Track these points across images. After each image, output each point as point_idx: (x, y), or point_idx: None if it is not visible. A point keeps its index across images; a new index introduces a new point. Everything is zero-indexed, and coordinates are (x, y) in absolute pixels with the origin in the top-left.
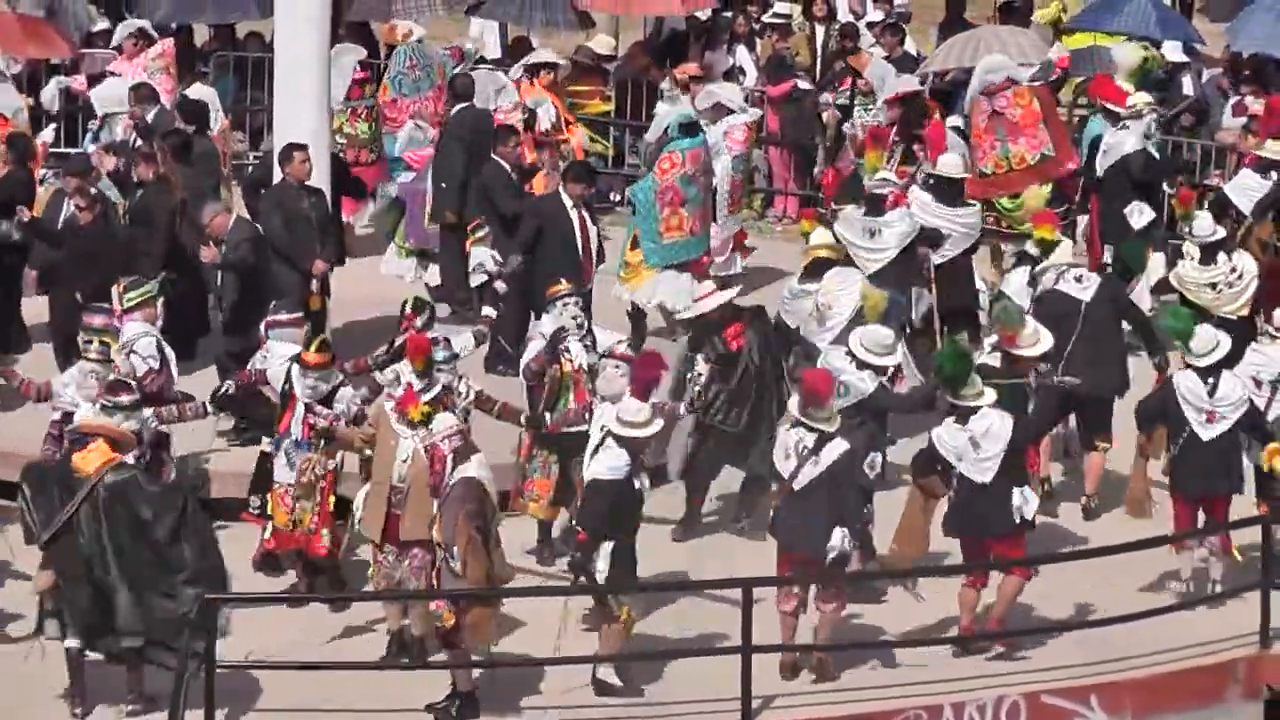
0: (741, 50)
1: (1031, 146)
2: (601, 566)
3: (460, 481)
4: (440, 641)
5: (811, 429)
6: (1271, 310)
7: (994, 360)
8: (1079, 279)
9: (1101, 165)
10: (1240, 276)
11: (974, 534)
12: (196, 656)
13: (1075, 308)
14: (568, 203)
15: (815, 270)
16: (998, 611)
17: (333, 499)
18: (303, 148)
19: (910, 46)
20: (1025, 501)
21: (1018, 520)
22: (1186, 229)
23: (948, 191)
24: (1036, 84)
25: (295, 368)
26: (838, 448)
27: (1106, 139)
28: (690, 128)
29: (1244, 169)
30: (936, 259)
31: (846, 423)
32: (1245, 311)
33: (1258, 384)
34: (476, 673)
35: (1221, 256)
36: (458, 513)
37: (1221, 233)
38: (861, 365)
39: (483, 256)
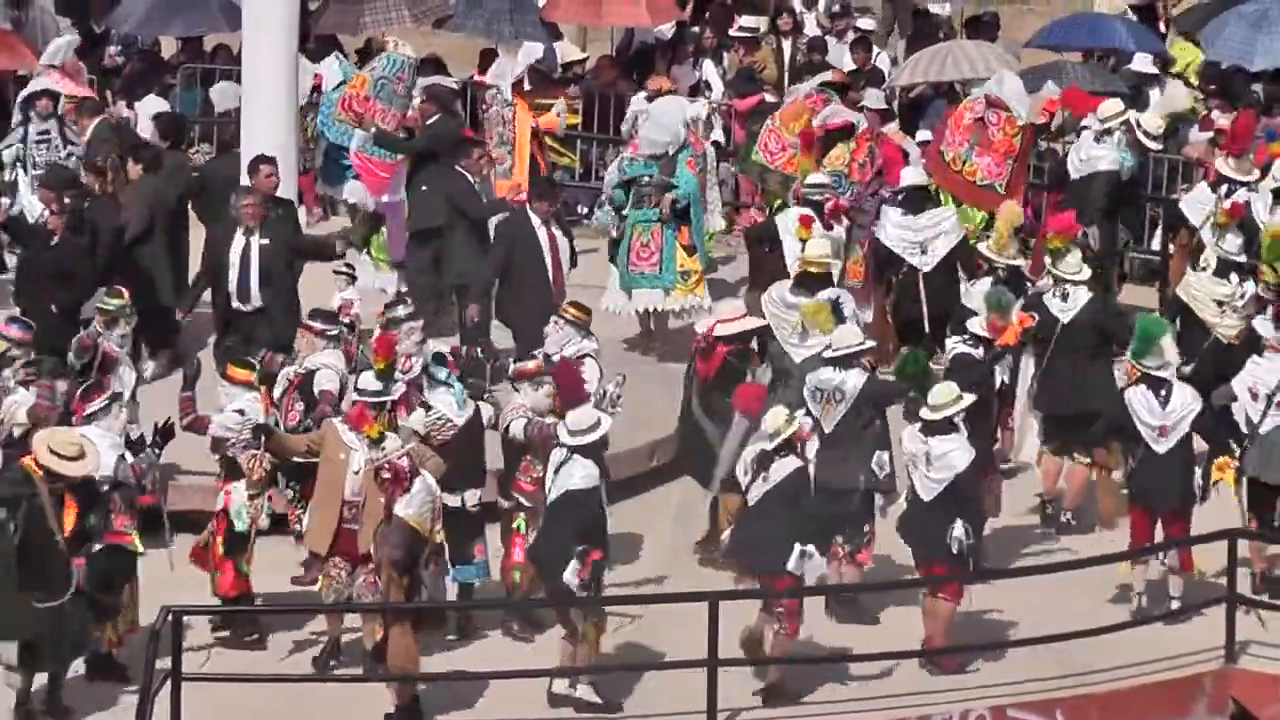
0: (708, 64)
1: (988, 170)
2: (577, 580)
3: (394, 522)
4: (371, 656)
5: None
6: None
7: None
8: (1065, 296)
9: (1075, 170)
10: (1246, 304)
11: (910, 545)
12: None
13: (1052, 324)
14: (535, 220)
15: (806, 282)
16: (934, 640)
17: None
18: (270, 161)
19: (884, 61)
20: (966, 536)
21: (955, 550)
22: (1218, 238)
23: (916, 201)
24: (1027, 123)
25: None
26: (787, 465)
27: (1086, 148)
28: None
29: (1201, 183)
30: (926, 266)
31: (852, 426)
32: (1237, 341)
33: (1254, 396)
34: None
35: (1234, 277)
36: (383, 548)
37: (1245, 257)
38: (844, 366)
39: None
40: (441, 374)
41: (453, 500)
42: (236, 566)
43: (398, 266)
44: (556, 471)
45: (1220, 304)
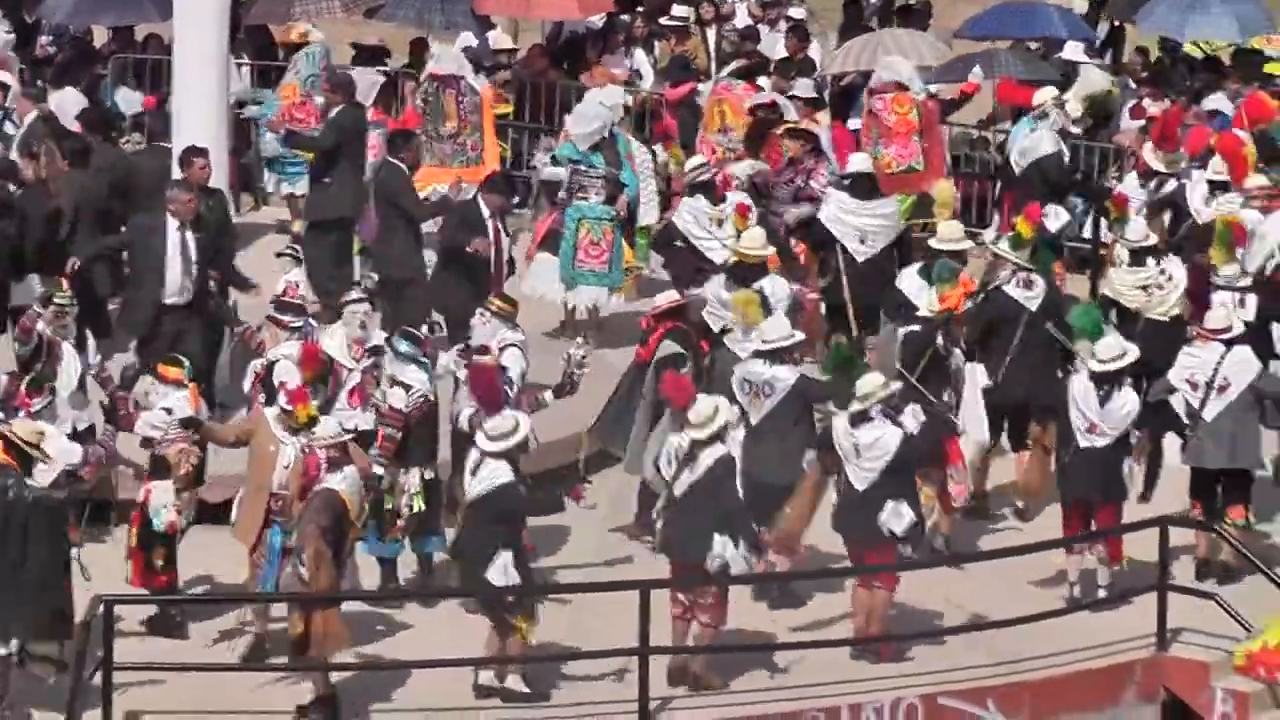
0: (639, 53)
1: (899, 156)
2: (504, 579)
3: (320, 493)
4: (290, 648)
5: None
6: (1201, 314)
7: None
8: (1028, 284)
9: (1019, 163)
10: (1170, 279)
11: (848, 537)
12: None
13: (1018, 313)
14: (485, 212)
15: (740, 274)
16: (872, 628)
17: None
18: (202, 152)
19: (814, 51)
20: (896, 517)
21: (886, 533)
22: (1119, 233)
23: (864, 188)
24: (923, 97)
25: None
26: (714, 454)
27: (1023, 141)
28: None
29: (1131, 174)
30: (861, 255)
31: (780, 421)
32: (1176, 311)
33: (1193, 386)
34: (336, 676)
35: (1150, 260)
36: (310, 523)
37: (1154, 239)
38: (773, 360)
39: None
40: (404, 347)
41: (425, 474)
42: (148, 560)
43: (363, 252)
44: (474, 473)
45: (1145, 288)
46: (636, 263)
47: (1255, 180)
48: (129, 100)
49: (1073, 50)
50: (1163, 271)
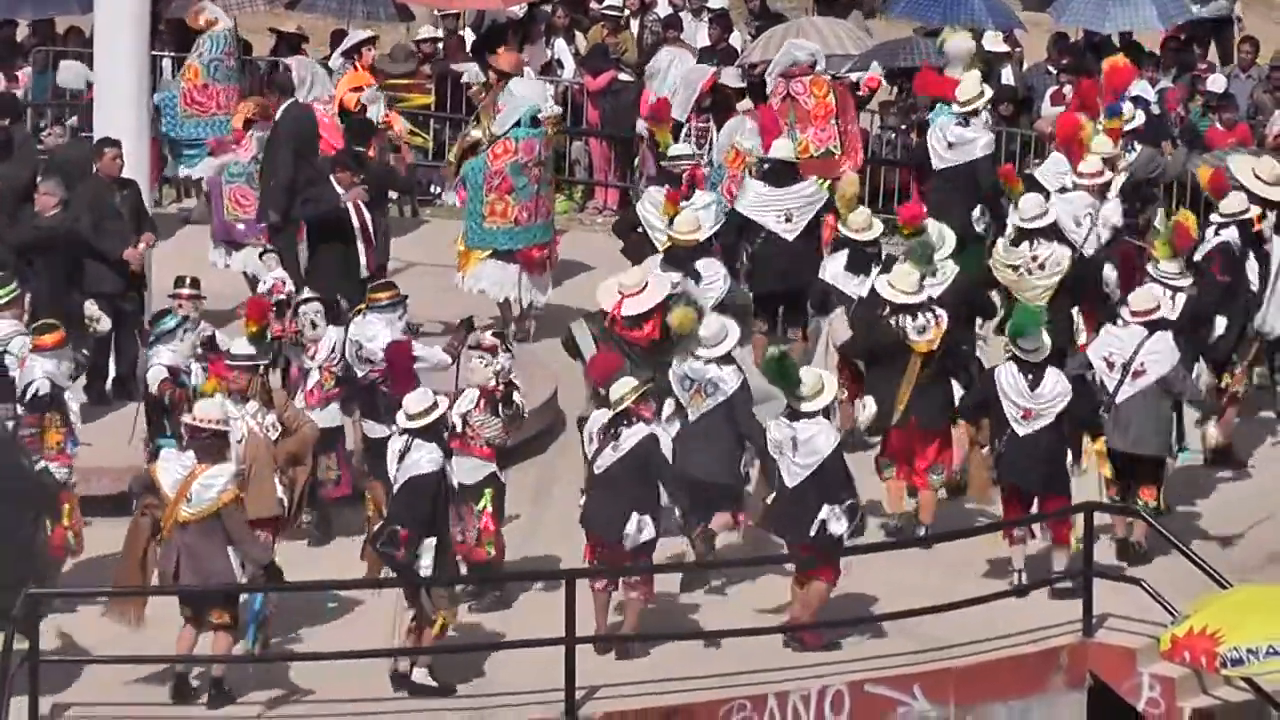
0: (560, 43)
1: (818, 139)
2: (426, 564)
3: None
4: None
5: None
6: (1126, 294)
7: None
8: (934, 272)
9: (945, 157)
10: (1041, 266)
11: (779, 535)
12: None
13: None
14: (340, 191)
15: (674, 258)
16: (805, 616)
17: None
18: (115, 143)
19: (735, 39)
20: (834, 518)
21: (812, 533)
22: (1013, 207)
23: (782, 174)
24: (836, 80)
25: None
26: (637, 434)
27: (954, 133)
28: (536, 120)
29: (1054, 153)
30: (789, 233)
31: (715, 421)
32: (1043, 301)
33: (1109, 365)
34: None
35: (1025, 244)
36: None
37: (1046, 221)
38: (721, 362)
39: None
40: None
41: None
42: None
43: (226, 242)
44: (400, 459)
45: (1014, 268)
46: (460, 246)
47: (1090, 164)
48: (75, 75)
49: (992, 40)
50: (1034, 258)
